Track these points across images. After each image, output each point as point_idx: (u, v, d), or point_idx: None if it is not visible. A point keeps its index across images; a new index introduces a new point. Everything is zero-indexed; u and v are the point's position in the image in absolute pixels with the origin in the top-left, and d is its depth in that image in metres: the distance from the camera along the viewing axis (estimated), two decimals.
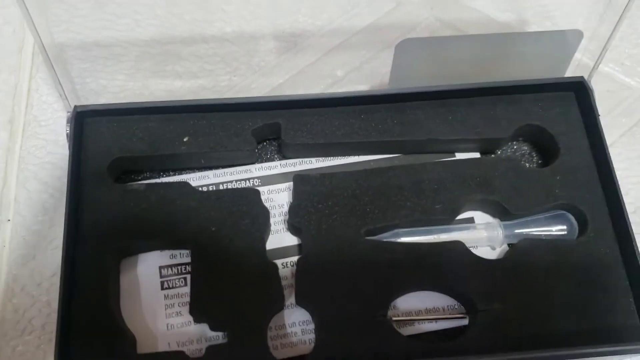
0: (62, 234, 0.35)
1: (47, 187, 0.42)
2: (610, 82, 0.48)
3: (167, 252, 0.38)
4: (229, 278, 0.36)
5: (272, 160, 0.42)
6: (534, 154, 0.43)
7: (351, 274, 0.36)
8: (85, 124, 0.39)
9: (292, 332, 0.37)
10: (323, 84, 0.47)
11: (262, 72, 0.47)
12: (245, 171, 0.41)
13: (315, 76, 0.48)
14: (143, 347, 0.35)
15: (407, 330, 0.37)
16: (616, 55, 0.49)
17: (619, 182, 0.44)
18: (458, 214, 0.39)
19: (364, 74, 0.48)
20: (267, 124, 0.40)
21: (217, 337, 0.36)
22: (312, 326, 0.36)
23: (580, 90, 0.41)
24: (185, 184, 0.38)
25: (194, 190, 0.38)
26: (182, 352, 0.34)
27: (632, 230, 0.36)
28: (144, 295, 0.37)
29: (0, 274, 0.40)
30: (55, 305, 0.34)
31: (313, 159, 0.42)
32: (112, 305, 0.35)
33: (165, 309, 0.37)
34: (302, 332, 0.37)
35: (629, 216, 0.42)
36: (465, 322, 0.36)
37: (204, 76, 0.47)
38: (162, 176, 0.41)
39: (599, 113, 0.40)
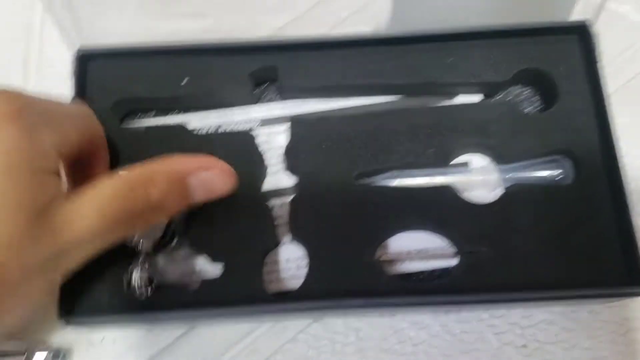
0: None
1: None
2: (624, 23, 0.46)
3: None
4: (226, 217, 0.37)
5: (272, 101, 0.42)
6: (535, 99, 0.42)
7: (342, 215, 0.37)
8: (90, 65, 0.40)
9: (286, 268, 0.39)
10: (327, 25, 0.47)
11: (266, 12, 0.47)
12: (245, 112, 0.42)
13: (320, 16, 0.47)
14: None
15: (395, 270, 0.38)
16: None
17: (620, 129, 0.43)
18: (452, 158, 0.39)
19: (368, 15, 0.47)
20: (265, 67, 0.41)
21: (215, 270, 0.38)
22: (305, 262, 0.38)
23: (583, 33, 0.40)
24: (182, 127, 0.40)
25: (189, 133, 0.40)
26: (181, 283, 0.36)
27: (622, 177, 0.36)
28: None
29: None
30: None
31: (312, 101, 0.42)
32: None
33: None
34: (296, 267, 0.39)
35: (623, 162, 0.42)
36: (454, 263, 0.38)
37: (209, 16, 0.47)
38: (165, 115, 0.42)
39: (604, 57, 0.39)
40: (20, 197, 0.24)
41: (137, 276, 0.35)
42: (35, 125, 0.26)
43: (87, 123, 0.32)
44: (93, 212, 0.26)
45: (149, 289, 0.35)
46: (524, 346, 0.37)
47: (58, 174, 0.27)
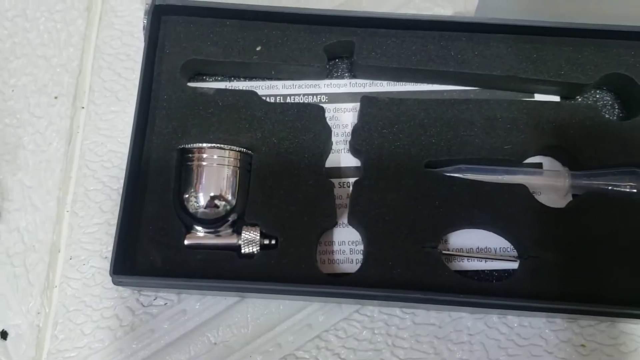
0: (132, 126, 0.36)
1: (121, 78, 0.43)
2: None
3: None
4: (285, 188, 0.36)
5: (342, 78, 0.41)
6: (616, 106, 0.40)
7: (406, 202, 0.36)
8: (163, 20, 0.39)
9: (340, 250, 0.37)
10: (404, 5, 0.45)
11: None
12: (314, 86, 0.41)
13: None
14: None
15: (454, 266, 0.37)
16: None
17: None
18: (527, 157, 0.38)
19: None
20: (341, 42, 0.39)
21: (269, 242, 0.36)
22: (360, 247, 0.37)
23: None
24: (253, 93, 0.38)
25: (260, 100, 0.38)
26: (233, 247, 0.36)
27: None
28: None
29: (74, 159, 0.41)
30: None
31: (384, 82, 0.41)
32: (172, 198, 0.36)
33: None
34: (350, 251, 0.37)
35: None
36: (515, 266, 0.36)
37: None
38: (232, 81, 0.41)
39: None
40: None
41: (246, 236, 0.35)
42: None
43: None
44: None
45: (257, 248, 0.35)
46: (582, 345, 0.36)
47: None
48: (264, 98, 0.39)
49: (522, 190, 0.36)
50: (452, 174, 0.37)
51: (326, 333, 0.37)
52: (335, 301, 0.37)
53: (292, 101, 0.40)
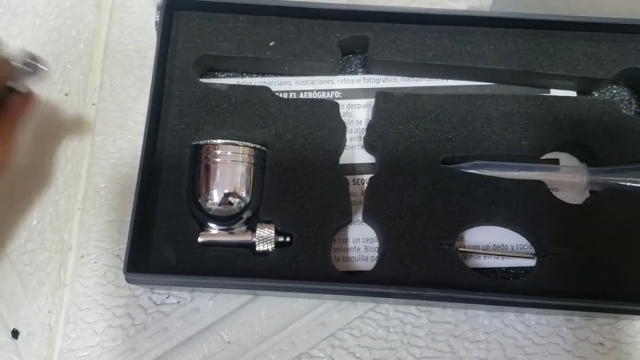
0: (144, 123, 0.36)
1: (131, 74, 0.43)
2: None
3: None
4: (300, 185, 0.36)
5: (355, 73, 0.41)
6: (633, 101, 0.40)
7: (422, 199, 0.35)
8: (175, 16, 0.39)
9: (355, 248, 0.37)
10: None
11: None
12: (327, 82, 0.40)
13: None
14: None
15: (470, 263, 0.36)
16: None
17: None
18: (544, 153, 0.37)
19: None
20: (355, 36, 0.39)
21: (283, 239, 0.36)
22: (375, 244, 0.37)
23: None
24: (266, 89, 0.38)
25: (274, 96, 0.38)
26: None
27: None
28: None
29: (84, 157, 0.41)
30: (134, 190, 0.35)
31: (398, 78, 0.40)
32: (185, 196, 0.36)
33: None
34: (365, 249, 0.37)
35: None
36: (532, 263, 0.36)
37: None
38: (244, 77, 0.41)
39: None
40: None
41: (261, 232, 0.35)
42: None
43: None
44: None
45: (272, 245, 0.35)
46: (601, 344, 0.36)
47: None
48: (276, 94, 0.39)
49: (539, 186, 0.35)
50: (468, 170, 0.36)
51: (341, 331, 0.36)
52: (350, 299, 0.36)
53: (305, 97, 0.40)
